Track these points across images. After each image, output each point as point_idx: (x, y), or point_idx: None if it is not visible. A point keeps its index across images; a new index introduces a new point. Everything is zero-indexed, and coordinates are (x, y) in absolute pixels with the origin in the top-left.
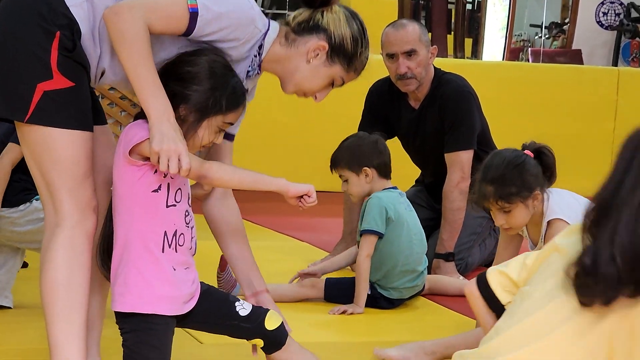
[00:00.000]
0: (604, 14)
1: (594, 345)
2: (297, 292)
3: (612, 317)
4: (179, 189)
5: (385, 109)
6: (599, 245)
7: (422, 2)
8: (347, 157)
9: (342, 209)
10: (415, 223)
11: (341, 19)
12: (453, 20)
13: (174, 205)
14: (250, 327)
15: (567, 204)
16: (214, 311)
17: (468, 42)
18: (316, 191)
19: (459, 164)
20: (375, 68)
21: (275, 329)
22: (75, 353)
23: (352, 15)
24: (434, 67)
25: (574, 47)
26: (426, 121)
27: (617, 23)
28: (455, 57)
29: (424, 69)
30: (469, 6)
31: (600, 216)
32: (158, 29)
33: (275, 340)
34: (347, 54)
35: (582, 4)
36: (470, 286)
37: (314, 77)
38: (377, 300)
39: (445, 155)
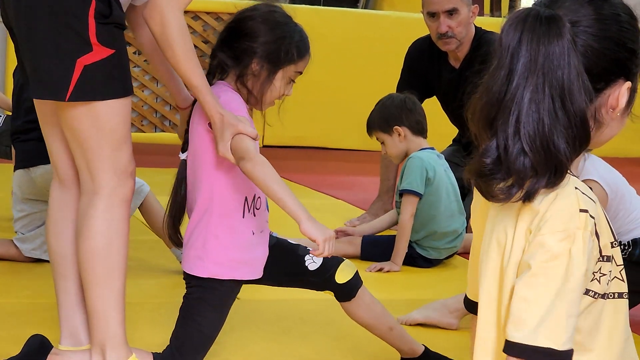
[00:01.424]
0: None
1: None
2: (334, 248)
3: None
4: None
5: (424, 68)
6: (504, 140)
7: None
8: (377, 119)
9: (378, 167)
10: (454, 184)
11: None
12: None
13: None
14: (319, 281)
15: (603, 167)
16: (283, 266)
17: (505, 1)
18: (353, 150)
19: None
20: (415, 27)
21: (347, 281)
22: (114, 318)
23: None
24: (475, 26)
25: None
26: (466, 81)
27: None
28: (492, 15)
29: (464, 28)
30: None
31: (498, 111)
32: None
33: (345, 292)
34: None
35: None
36: None
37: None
38: (415, 260)
39: None
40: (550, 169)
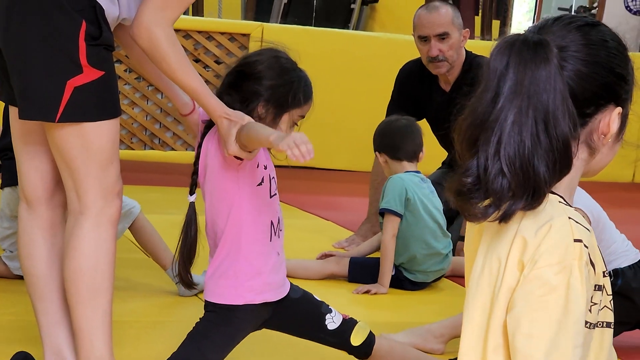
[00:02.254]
0: None
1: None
2: (322, 267)
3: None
4: (273, 177)
5: (415, 90)
6: (484, 160)
7: None
8: (374, 139)
9: (367, 188)
10: (438, 207)
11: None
12: (481, 2)
13: (276, 194)
14: (336, 342)
15: (586, 196)
16: (305, 320)
17: (495, 24)
18: (342, 170)
19: None
20: (406, 49)
21: (362, 343)
22: (100, 338)
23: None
24: (466, 49)
25: None
26: (457, 104)
27: None
28: (483, 39)
29: (455, 51)
30: None
31: (481, 132)
32: (179, 14)
33: (361, 352)
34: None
35: None
36: None
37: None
38: (402, 283)
39: None
40: (528, 192)
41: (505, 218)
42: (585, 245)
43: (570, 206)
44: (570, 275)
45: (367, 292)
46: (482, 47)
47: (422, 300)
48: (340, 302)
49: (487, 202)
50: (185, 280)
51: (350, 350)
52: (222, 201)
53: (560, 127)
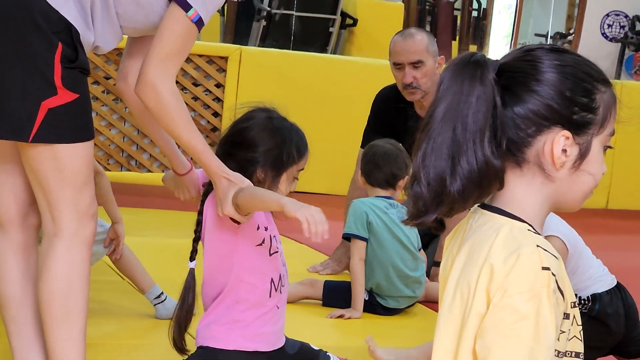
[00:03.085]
0: (609, 25)
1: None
2: (296, 290)
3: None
4: (274, 236)
5: (391, 116)
6: (414, 167)
7: (428, 7)
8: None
9: (343, 212)
10: (407, 232)
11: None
12: (458, 27)
13: (277, 252)
14: None
15: (563, 223)
16: None
17: (472, 49)
18: (318, 194)
19: None
20: (383, 73)
21: None
22: (74, 358)
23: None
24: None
25: None
26: None
27: (622, 35)
28: None
29: (430, 79)
30: (474, 13)
31: (418, 139)
32: (182, 62)
33: None
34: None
35: (587, 15)
36: None
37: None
38: (375, 308)
39: None
40: (440, 205)
41: (419, 224)
42: (552, 273)
43: (539, 234)
44: (539, 303)
45: (340, 316)
46: None
47: (396, 325)
48: (315, 326)
49: (409, 208)
50: (179, 345)
51: None
52: (222, 259)
53: (477, 144)
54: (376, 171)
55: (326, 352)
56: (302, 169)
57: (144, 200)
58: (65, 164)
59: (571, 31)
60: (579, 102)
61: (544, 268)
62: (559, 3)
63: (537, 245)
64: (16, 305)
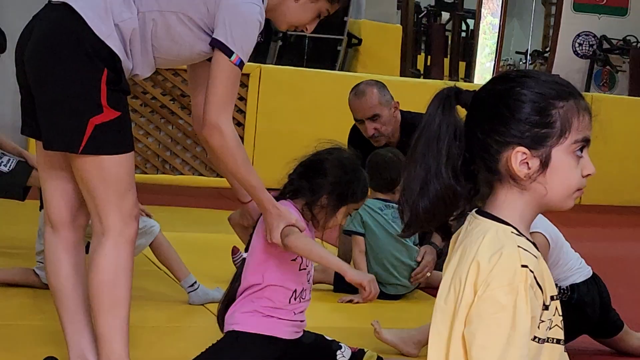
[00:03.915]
0: (580, 44)
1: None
2: None
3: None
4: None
5: (365, 149)
6: (402, 193)
7: (423, 29)
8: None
9: None
10: (398, 228)
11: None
12: (449, 46)
13: (305, 269)
14: None
15: (545, 220)
16: (319, 358)
17: (462, 65)
18: None
19: None
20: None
21: None
22: (118, 342)
23: None
24: (401, 111)
25: (552, 72)
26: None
27: (591, 53)
28: (451, 79)
29: (389, 125)
30: (463, 34)
31: (405, 166)
32: (234, 100)
33: None
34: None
35: (561, 36)
36: None
37: (303, 13)
38: (380, 293)
39: None
40: (418, 222)
41: (408, 235)
42: (530, 270)
43: (523, 235)
44: (517, 296)
45: (350, 301)
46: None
47: (399, 309)
48: (327, 310)
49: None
50: (222, 316)
51: None
52: (259, 264)
53: (439, 172)
54: (377, 176)
55: (339, 342)
56: (356, 209)
57: (177, 199)
58: (109, 173)
59: (547, 49)
60: (530, 120)
61: (522, 266)
62: (537, 24)
63: (518, 246)
64: (68, 296)
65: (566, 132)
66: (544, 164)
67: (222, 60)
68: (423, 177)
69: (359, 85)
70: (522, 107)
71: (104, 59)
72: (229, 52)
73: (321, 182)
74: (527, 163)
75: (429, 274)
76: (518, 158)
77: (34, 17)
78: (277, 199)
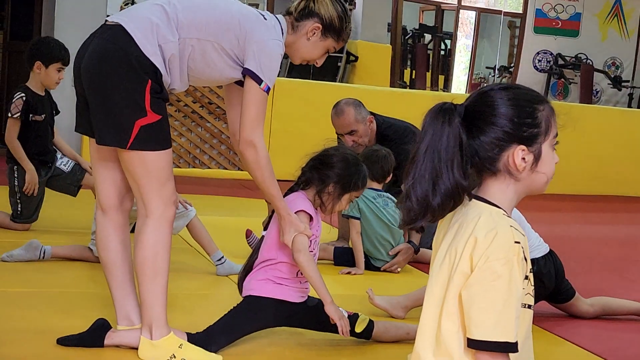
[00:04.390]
0: (539, 61)
1: (438, 282)
2: None
3: (447, 259)
4: (317, 241)
5: None
6: (406, 188)
7: (409, 48)
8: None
9: None
10: (387, 214)
11: (328, 3)
12: (431, 62)
13: (312, 252)
14: None
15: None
16: (320, 320)
17: (441, 78)
18: None
19: None
20: (375, 96)
21: (363, 330)
22: (159, 306)
23: (337, 0)
24: (377, 118)
25: (517, 84)
26: None
27: (548, 68)
28: (432, 89)
29: (366, 136)
30: (442, 52)
31: (407, 169)
32: (264, 120)
33: (364, 336)
34: (336, 30)
35: (523, 53)
36: None
37: (314, 49)
38: (370, 266)
39: (402, 187)
40: (423, 214)
41: (414, 229)
42: (522, 247)
43: (510, 217)
44: (512, 267)
45: (348, 273)
46: (432, 96)
47: (389, 280)
48: (330, 280)
49: (402, 217)
50: (241, 281)
51: (356, 335)
52: (274, 244)
53: (450, 170)
54: (371, 168)
55: (338, 307)
56: (357, 197)
57: (205, 188)
58: (151, 166)
59: (512, 65)
60: (525, 122)
61: (515, 242)
62: (503, 44)
63: (510, 225)
64: (117, 267)
65: (549, 130)
66: (537, 158)
67: (253, 87)
68: (433, 179)
69: (338, 104)
70: (517, 113)
71: (148, 72)
72: (259, 80)
73: (329, 173)
74: (524, 158)
75: (399, 270)
76: (519, 155)
77: (91, 35)
78: (292, 189)
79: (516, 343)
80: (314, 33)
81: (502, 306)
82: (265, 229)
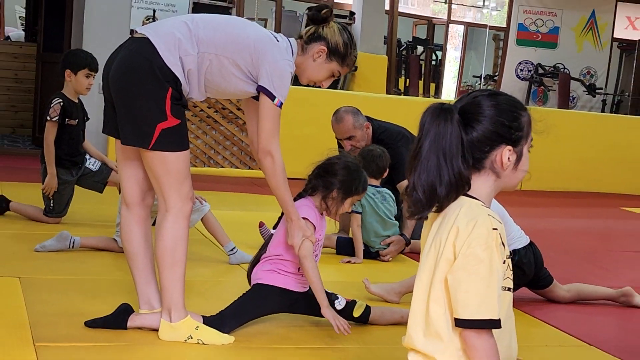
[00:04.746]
0: (521, 70)
1: (426, 269)
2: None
3: (434, 250)
4: (320, 244)
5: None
6: (412, 181)
7: (403, 59)
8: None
9: None
10: (389, 207)
11: (335, 30)
12: (423, 71)
13: (314, 253)
14: (343, 316)
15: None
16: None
17: (432, 86)
18: None
19: (403, 186)
20: (372, 102)
21: (361, 314)
22: (177, 292)
23: (343, 28)
24: (373, 123)
25: (501, 91)
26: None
27: (529, 76)
28: (424, 96)
29: (363, 140)
30: (433, 62)
31: (411, 163)
32: (279, 131)
33: (361, 320)
34: (341, 55)
35: (507, 63)
36: None
37: (319, 71)
38: (370, 255)
39: (397, 186)
40: (430, 204)
41: (421, 218)
42: (499, 233)
43: (488, 207)
44: (492, 252)
45: (349, 262)
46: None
47: (385, 268)
48: (332, 268)
49: (411, 206)
50: (250, 271)
51: (354, 320)
52: (281, 243)
53: (454, 163)
54: (369, 165)
55: (336, 294)
56: (359, 200)
57: (219, 186)
58: (171, 165)
59: (496, 74)
60: (513, 126)
61: (493, 229)
62: (489, 55)
63: (488, 214)
64: (139, 257)
65: (528, 134)
66: (519, 158)
67: (267, 103)
68: (439, 172)
69: (338, 112)
70: (506, 116)
71: (169, 80)
72: (272, 97)
73: (332, 180)
74: (509, 158)
75: (390, 258)
76: (507, 154)
77: (120, 45)
78: (301, 195)
79: (499, 320)
80: (320, 55)
81: (485, 288)
82: (274, 227)
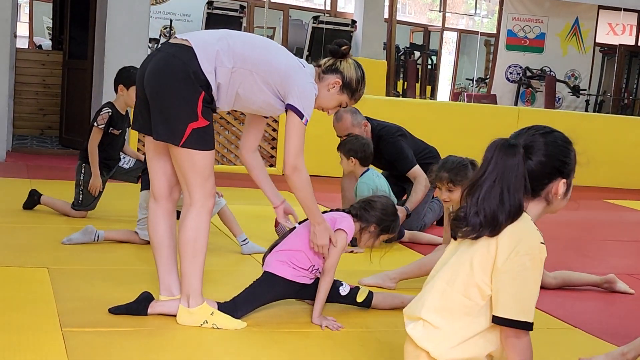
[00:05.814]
0: (511, 73)
1: (461, 260)
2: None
3: (475, 246)
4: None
5: None
6: (469, 205)
7: (402, 63)
8: (347, 149)
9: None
10: (385, 188)
11: (351, 66)
12: (420, 75)
13: (324, 256)
14: (347, 301)
15: None
16: None
17: (428, 88)
18: (327, 176)
19: (413, 173)
20: (371, 104)
21: (364, 299)
22: (196, 280)
23: (358, 65)
24: (372, 122)
25: (492, 93)
26: (381, 157)
27: (518, 79)
28: (421, 97)
29: None
30: (429, 66)
31: (471, 189)
32: (303, 147)
33: (364, 305)
34: (352, 89)
35: (497, 67)
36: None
37: (330, 100)
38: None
39: (407, 174)
40: (491, 228)
41: (474, 238)
42: (544, 248)
43: (536, 227)
44: (538, 263)
45: (351, 251)
46: (420, 103)
47: (386, 256)
48: None
49: (468, 229)
50: (265, 255)
51: (358, 304)
52: (300, 241)
53: (517, 195)
54: (364, 156)
55: (341, 281)
56: (390, 238)
57: (232, 182)
58: (197, 163)
59: (487, 77)
60: (566, 161)
61: (541, 243)
62: (480, 59)
63: (537, 230)
64: (163, 247)
65: (574, 167)
66: (568, 188)
67: (296, 120)
68: (501, 200)
69: (338, 111)
70: (562, 153)
71: (202, 85)
72: (300, 115)
73: (371, 215)
74: (562, 189)
75: None
76: (562, 187)
77: (157, 48)
78: (344, 211)
79: (532, 323)
80: (334, 87)
81: (527, 292)
82: (299, 223)
